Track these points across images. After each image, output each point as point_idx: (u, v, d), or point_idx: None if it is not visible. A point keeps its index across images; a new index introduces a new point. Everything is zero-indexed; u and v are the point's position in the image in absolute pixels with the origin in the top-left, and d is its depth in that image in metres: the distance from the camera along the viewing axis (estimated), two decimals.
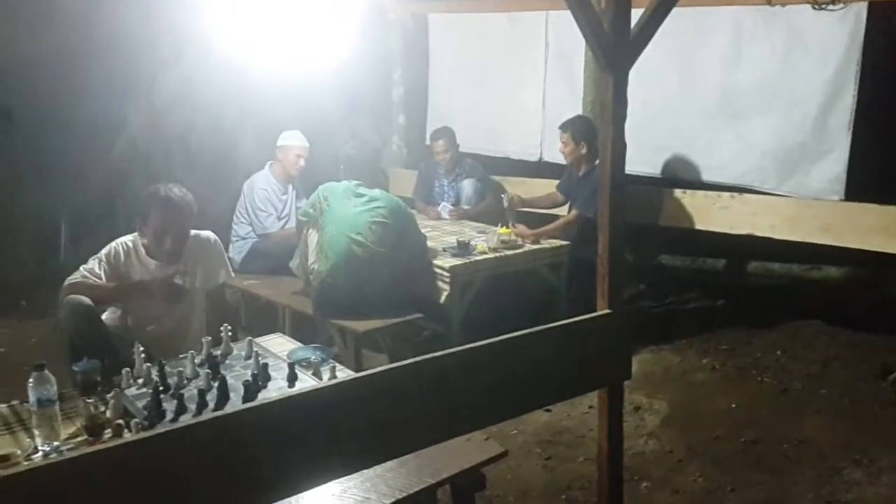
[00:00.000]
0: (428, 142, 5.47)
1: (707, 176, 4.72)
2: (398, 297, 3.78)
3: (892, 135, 4.46)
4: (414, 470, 2.05)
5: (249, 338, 2.79)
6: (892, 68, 4.31)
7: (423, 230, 4.09)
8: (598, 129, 2.12)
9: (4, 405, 2.40)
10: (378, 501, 1.94)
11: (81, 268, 3.07)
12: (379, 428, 1.66)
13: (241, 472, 1.48)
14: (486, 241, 4.25)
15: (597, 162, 4.03)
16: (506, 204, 4.69)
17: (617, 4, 1.95)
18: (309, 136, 4.73)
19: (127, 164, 5.19)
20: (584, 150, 4.49)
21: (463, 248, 4.10)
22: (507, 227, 4.34)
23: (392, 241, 3.73)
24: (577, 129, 4.50)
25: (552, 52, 5.30)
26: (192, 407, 2.28)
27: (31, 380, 2.12)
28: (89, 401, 2.22)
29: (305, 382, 2.52)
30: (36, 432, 2.13)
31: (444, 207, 5.09)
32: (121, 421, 2.19)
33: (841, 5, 3.99)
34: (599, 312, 2.08)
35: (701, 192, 4.69)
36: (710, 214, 4.63)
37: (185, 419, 2.20)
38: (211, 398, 2.33)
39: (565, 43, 5.15)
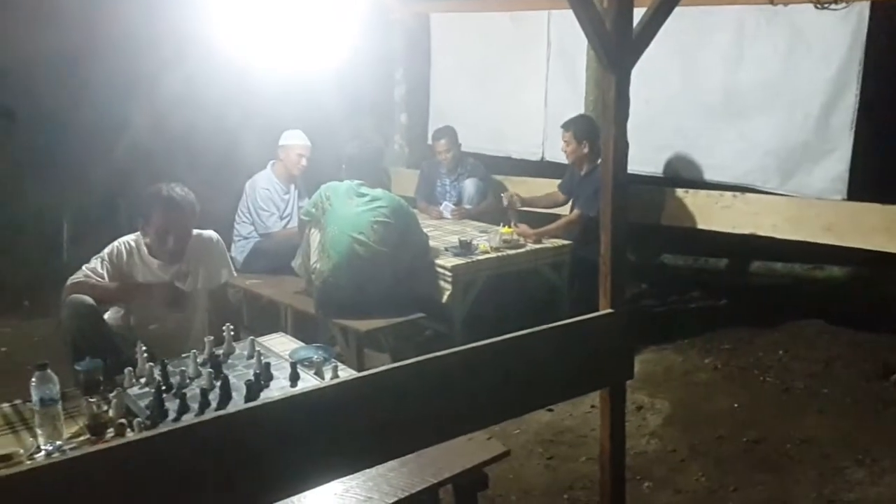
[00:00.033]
0: (430, 141, 5.47)
1: (709, 175, 4.71)
2: (400, 296, 3.78)
3: (894, 134, 4.45)
4: (416, 469, 2.05)
5: (252, 337, 2.80)
6: (895, 67, 4.30)
7: (425, 230, 4.09)
8: (601, 129, 2.11)
9: (7, 404, 2.41)
10: (380, 501, 1.94)
11: (84, 267, 3.07)
12: (381, 427, 1.66)
13: (244, 471, 1.48)
14: (488, 240, 4.25)
15: (599, 161, 4.04)
16: (505, 203, 4.69)
17: (619, 4, 1.94)
18: (311, 136, 4.73)
19: (129, 164, 5.19)
20: (585, 150, 4.49)
21: (465, 247, 4.10)
22: (509, 227, 4.34)
23: (394, 241, 3.73)
24: (580, 129, 4.50)
25: (554, 52, 5.30)
26: (195, 406, 2.28)
27: (33, 379, 2.12)
28: (92, 400, 2.22)
29: (307, 382, 2.51)
30: (38, 431, 2.13)
31: (446, 207, 5.09)
32: (123, 420, 2.19)
33: (843, 4, 3.98)
34: (601, 312, 2.09)
35: (703, 192, 4.68)
36: (713, 214, 4.63)
37: (188, 418, 2.20)
38: (213, 397, 2.33)
39: (567, 42, 5.15)
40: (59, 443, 2.12)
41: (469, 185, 5.12)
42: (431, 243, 4.11)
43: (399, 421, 1.68)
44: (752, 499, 2.91)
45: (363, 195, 3.76)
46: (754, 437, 3.34)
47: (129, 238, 3.19)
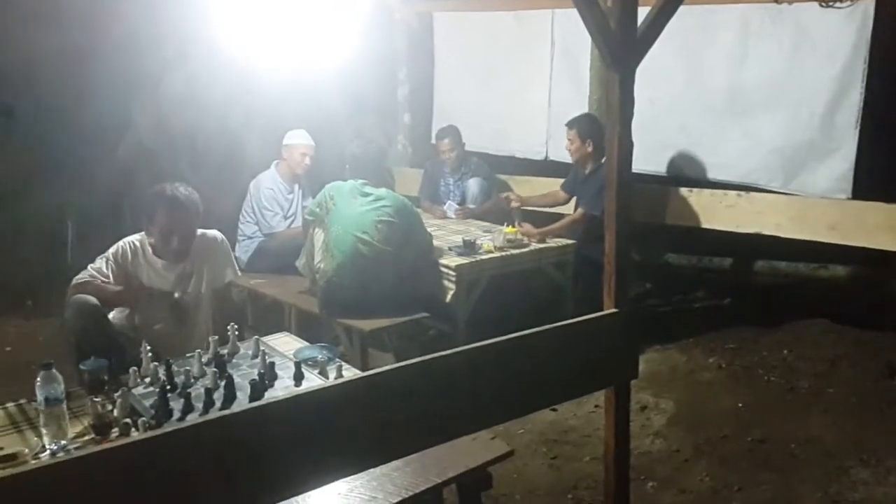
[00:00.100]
0: (433, 141, 5.47)
1: (714, 174, 4.71)
2: (404, 296, 3.78)
3: None
4: (420, 469, 2.05)
5: (256, 337, 2.80)
6: None
7: (428, 229, 4.09)
8: (605, 128, 2.11)
9: (12, 404, 2.41)
10: (384, 500, 1.94)
11: (89, 267, 3.07)
12: (385, 427, 1.66)
13: (248, 470, 1.48)
14: (491, 239, 4.24)
15: (603, 160, 4.04)
16: (507, 205, 4.70)
17: (623, 3, 1.94)
18: (314, 136, 4.73)
19: (132, 164, 5.20)
20: (589, 148, 4.48)
21: (469, 246, 4.10)
22: (513, 226, 4.34)
23: (398, 240, 3.73)
24: (584, 127, 4.49)
25: (558, 51, 5.29)
26: (199, 406, 2.28)
27: (38, 379, 2.13)
28: (96, 400, 2.23)
29: (312, 381, 2.52)
30: (43, 431, 2.14)
31: (450, 206, 5.08)
32: (128, 420, 2.20)
33: (848, 3, 3.97)
34: (606, 311, 2.08)
35: (707, 191, 4.67)
36: (717, 213, 4.62)
37: (193, 418, 2.21)
38: (218, 397, 2.34)
39: (571, 41, 5.14)
40: (63, 442, 2.13)
41: (473, 185, 5.11)
42: (435, 243, 4.11)
43: (403, 420, 1.68)
44: (756, 498, 2.91)
45: (367, 195, 3.76)
46: (759, 436, 3.34)
47: (134, 238, 3.19)
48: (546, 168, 5.45)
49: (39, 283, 5.05)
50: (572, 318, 2.04)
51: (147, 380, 2.50)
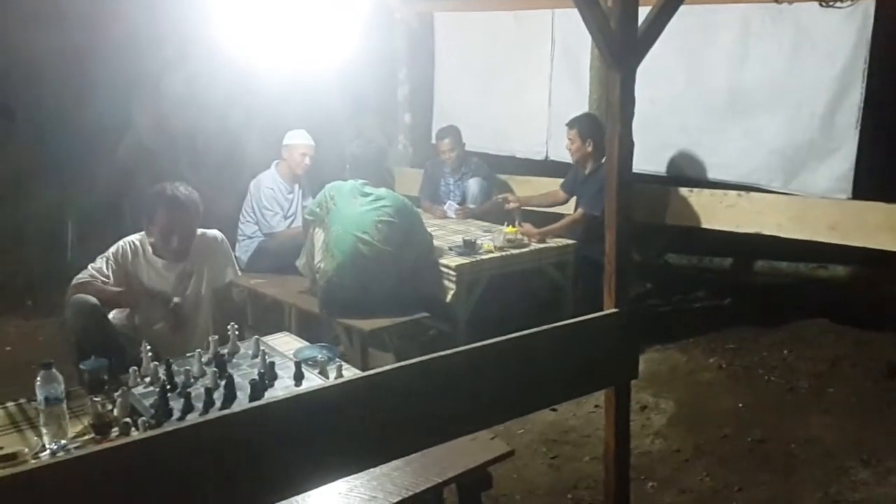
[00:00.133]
0: (433, 141, 5.47)
1: (714, 174, 4.71)
2: (404, 295, 3.78)
3: None
4: (420, 469, 2.05)
5: (256, 336, 2.80)
6: None
7: (429, 229, 4.09)
8: (605, 127, 2.11)
9: (12, 403, 2.41)
10: (384, 500, 1.94)
11: (90, 266, 3.08)
12: (385, 427, 1.66)
13: (248, 470, 1.48)
14: (492, 239, 4.24)
15: (603, 160, 4.04)
16: (507, 206, 4.71)
17: (624, 2, 1.94)
18: (314, 136, 4.74)
19: (132, 164, 5.20)
20: (590, 148, 4.48)
21: (469, 246, 4.10)
22: (513, 226, 4.34)
23: (398, 240, 3.73)
24: (584, 127, 4.48)
25: (558, 51, 5.29)
26: (199, 405, 2.28)
27: (38, 378, 2.13)
28: (96, 399, 2.23)
29: (312, 381, 2.52)
30: (43, 430, 2.14)
31: (450, 206, 5.08)
32: (128, 419, 2.20)
33: (848, 3, 3.97)
34: (606, 311, 2.08)
35: (707, 191, 4.67)
36: (717, 213, 4.62)
37: (193, 418, 2.21)
38: (218, 397, 2.34)
39: (571, 41, 5.14)
40: (63, 442, 2.13)
41: (473, 185, 5.11)
42: (435, 243, 4.11)
43: (403, 420, 1.68)
44: (756, 498, 2.91)
45: (367, 195, 3.76)
46: (759, 436, 3.34)
47: (134, 238, 3.20)
48: (546, 168, 5.45)
49: (39, 283, 5.06)
50: (572, 318, 2.04)
51: (147, 379, 2.50)
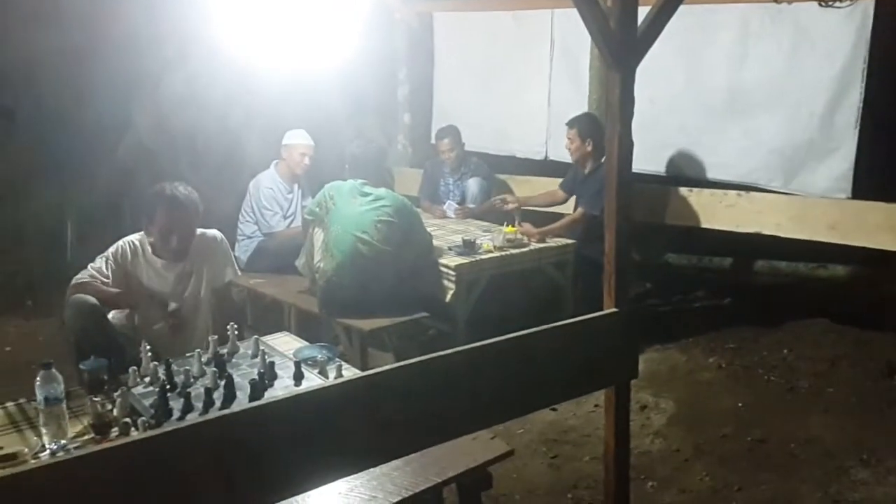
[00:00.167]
0: (433, 140, 5.47)
1: (713, 174, 4.71)
2: (404, 295, 3.78)
3: None
4: (420, 469, 2.05)
5: (256, 336, 2.80)
6: None
7: (428, 229, 4.09)
8: (605, 127, 2.11)
9: (12, 403, 2.41)
10: (384, 500, 1.94)
11: (89, 266, 3.07)
12: (385, 426, 1.66)
13: (248, 470, 1.48)
14: (491, 239, 4.24)
15: (602, 160, 4.04)
16: (506, 207, 4.72)
17: (623, 2, 1.94)
18: (314, 135, 4.74)
19: (132, 164, 5.20)
20: (589, 148, 4.48)
21: (468, 246, 4.10)
22: (513, 226, 4.34)
23: (398, 240, 3.73)
24: (584, 126, 4.48)
25: (557, 50, 5.29)
26: (199, 405, 2.28)
27: (38, 378, 2.13)
28: (96, 399, 2.23)
29: (311, 381, 2.52)
30: (43, 430, 2.14)
31: (450, 206, 5.08)
32: (128, 419, 2.20)
33: (847, 3, 3.97)
34: (605, 311, 2.08)
35: (707, 191, 4.67)
36: (717, 213, 4.62)
37: (192, 417, 2.21)
38: (217, 396, 2.34)
39: (571, 41, 5.14)
40: (63, 442, 2.13)
41: (472, 185, 5.11)
42: (435, 242, 4.11)
43: (403, 420, 1.68)
44: (756, 498, 2.91)
45: (367, 194, 3.76)
46: (759, 436, 3.34)
47: (134, 237, 3.20)
48: (546, 168, 5.45)
49: (39, 283, 5.05)
50: (572, 317, 2.04)
51: (147, 379, 2.50)
